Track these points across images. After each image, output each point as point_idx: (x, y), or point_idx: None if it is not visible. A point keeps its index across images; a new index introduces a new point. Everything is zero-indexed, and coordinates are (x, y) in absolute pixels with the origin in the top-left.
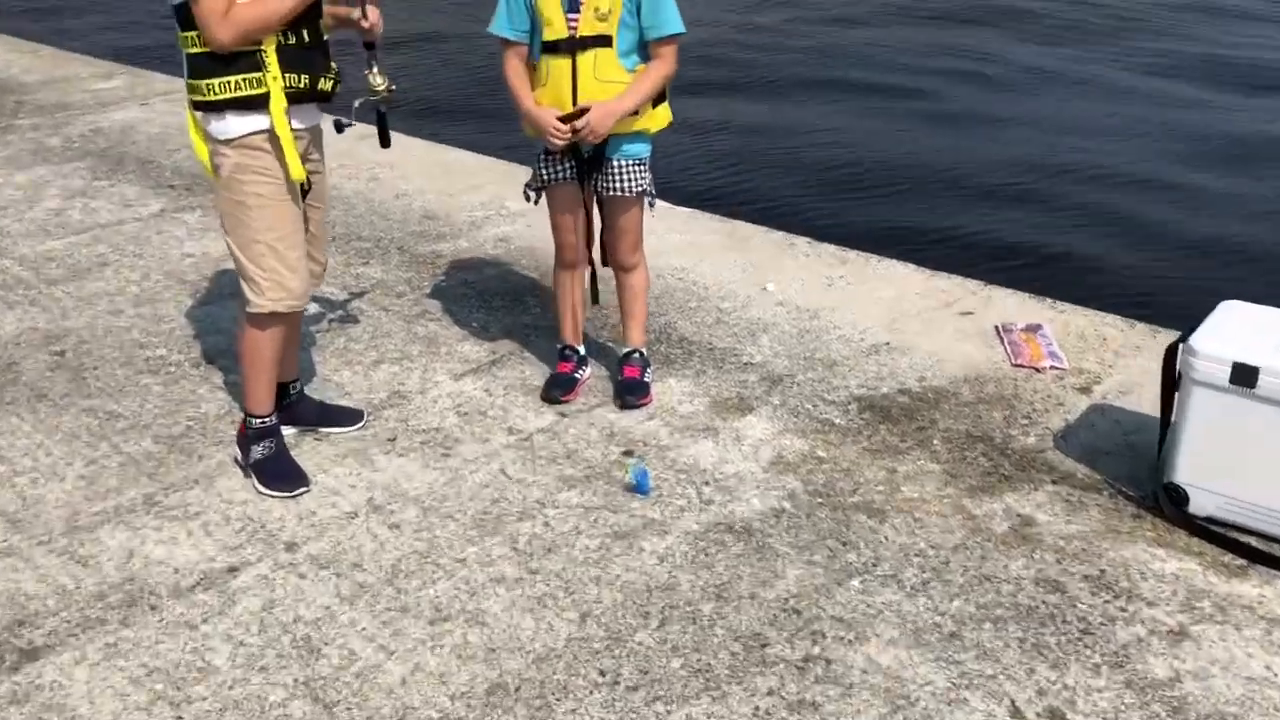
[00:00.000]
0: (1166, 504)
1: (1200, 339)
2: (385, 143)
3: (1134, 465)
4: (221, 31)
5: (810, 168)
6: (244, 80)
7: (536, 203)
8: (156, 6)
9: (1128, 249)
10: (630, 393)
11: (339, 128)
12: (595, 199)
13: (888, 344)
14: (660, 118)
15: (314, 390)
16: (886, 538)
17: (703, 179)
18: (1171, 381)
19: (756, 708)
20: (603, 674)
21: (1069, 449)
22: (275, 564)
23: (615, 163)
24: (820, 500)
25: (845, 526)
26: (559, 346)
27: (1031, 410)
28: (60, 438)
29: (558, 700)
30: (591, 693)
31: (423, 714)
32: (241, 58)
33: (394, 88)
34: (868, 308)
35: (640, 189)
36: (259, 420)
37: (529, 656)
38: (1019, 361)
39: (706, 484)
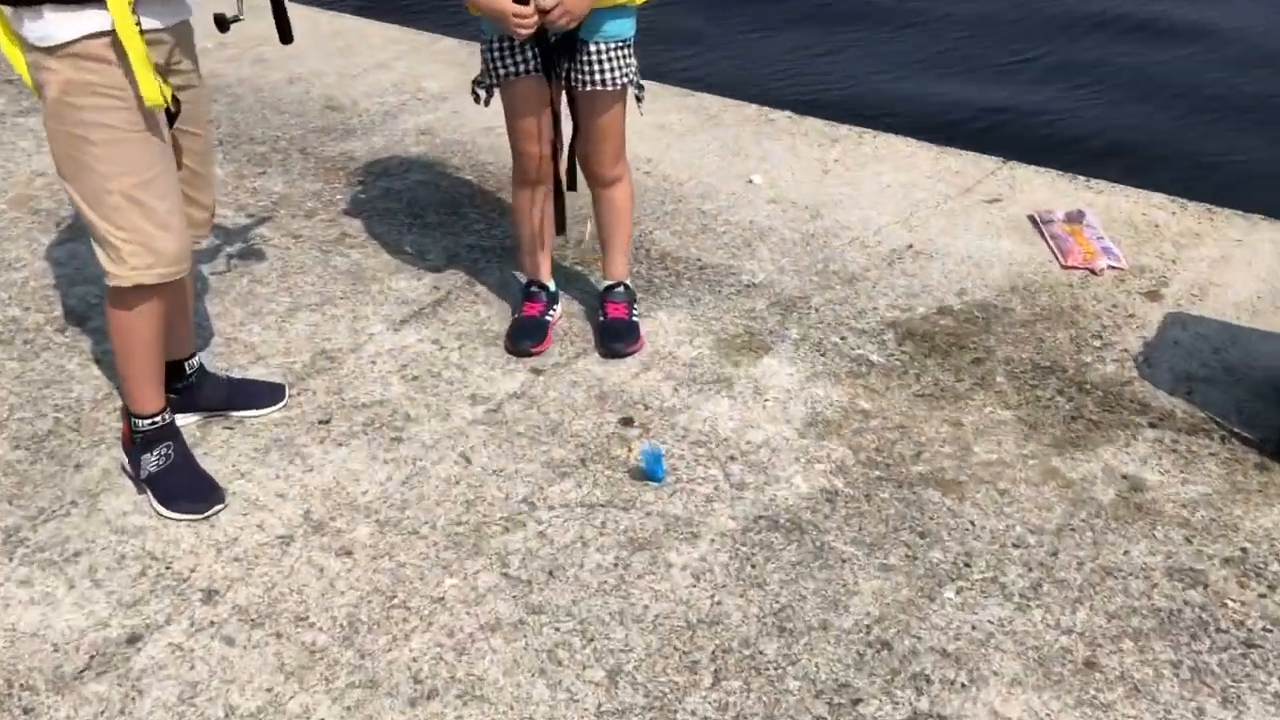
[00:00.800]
0: None
1: None
2: (286, 37)
3: (1237, 394)
4: None
5: (774, 26)
6: None
7: (488, 103)
8: None
9: (1157, 111)
10: (618, 338)
11: (222, 24)
12: (566, 95)
13: (910, 247)
14: None
15: (215, 359)
16: (973, 523)
17: (657, 45)
18: None
19: None
20: None
21: (1156, 378)
22: (192, 624)
23: (592, 48)
24: (879, 474)
25: (918, 510)
26: (524, 283)
27: (1100, 328)
28: None
29: None
30: None
31: None
32: None
33: None
34: (876, 199)
35: (625, 80)
36: (147, 421)
37: None
38: (1070, 263)
39: (733, 459)
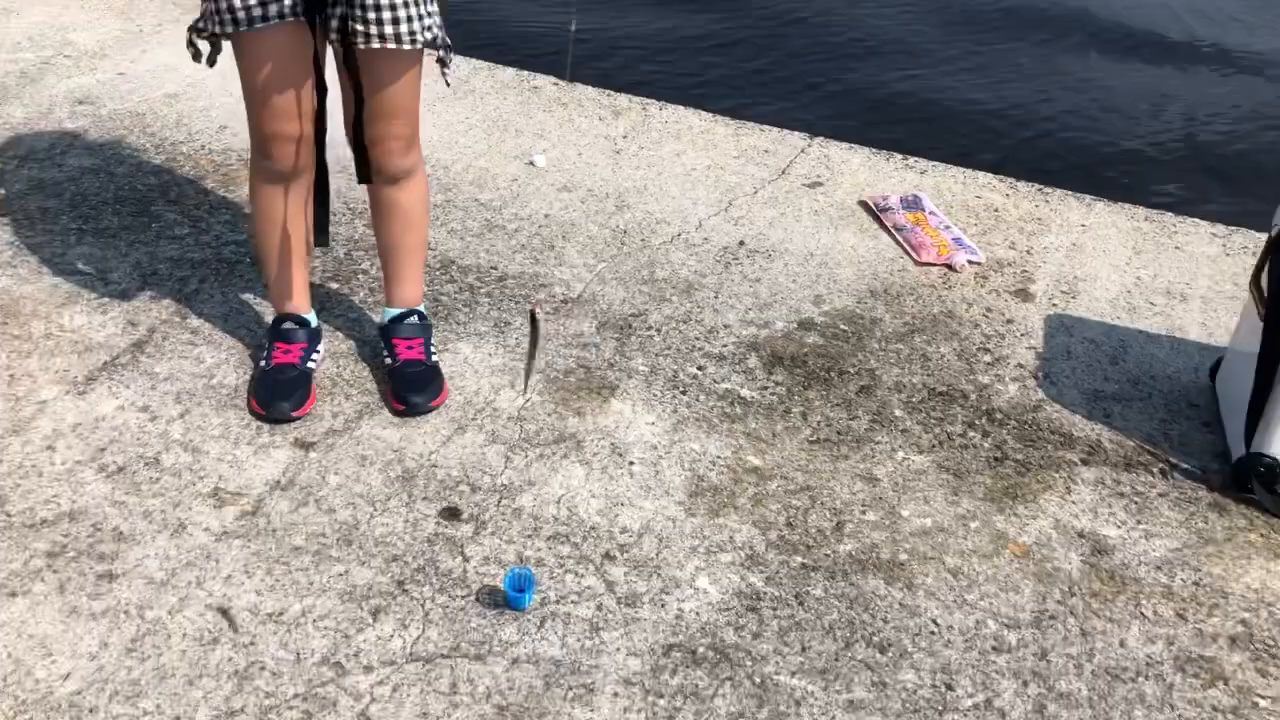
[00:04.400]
0: (1261, 490)
1: None
2: None
3: (1155, 413)
4: None
5: None
6: None
7: (213, 61)
8: None
9: (946, 84)
10: (416, 388)
11: None
12: (338, 54)
13: (742, 244)
14: None
15: None
16: (936, 622)
17: None
18: (1275, 329)
19: None
20: None
21: (1065, 398)
22: None
23: None
24: (801, 561)
25: (865, 611)
26: (275, 319)
27: (983, 338)
28: None
29: None
30: None
31: None
32: None
33: None
34: (684, 185)
35: (426, 37)
36: None
37: None
38: (925, 259)
39: (611, 558)
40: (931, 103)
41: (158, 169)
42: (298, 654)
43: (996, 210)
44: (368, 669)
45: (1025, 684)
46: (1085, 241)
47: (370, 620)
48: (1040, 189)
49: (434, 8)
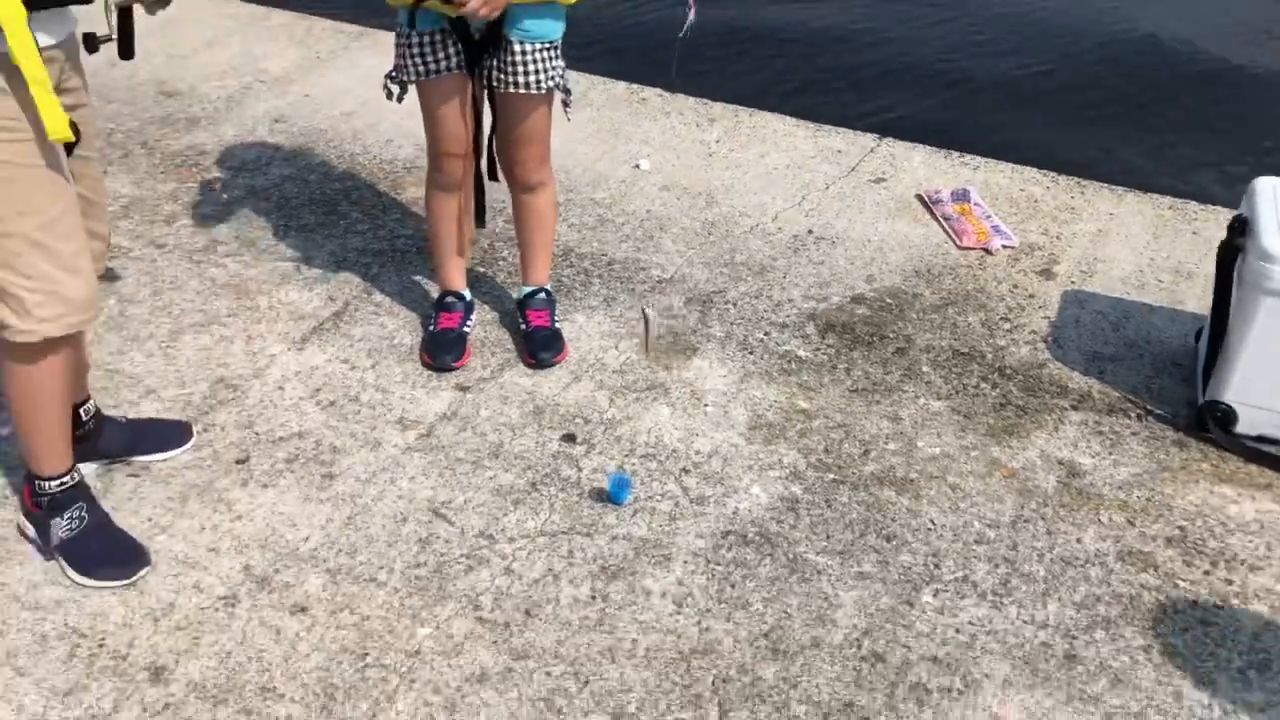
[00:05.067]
0: (1215, 429)
1: (1273, 240)
2: (127, 52)
3: (1143, 370)
4: None
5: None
6: None
7: (401, 100)
8: None
9: (1003, 87)
10: (543, 347)
11: (92, 46)
12: (487, 94)
13: (811, 232)
14: None
15: (100, 396)
16: (933, 521)
17: None
18: (1226, 286)
19: None
20: None
21: (1068, 357)
22: (144, 710)
23: (517, 47)
24: (833, 477)
25: (879, 512)
26: (440, 292)
27: (1006, 309)
28: None
29: None
30: None
31: None
32: None
33: None
34: (766, 182)
35: (551, 83)
36: (55, 483)
37: None
38: (965, 244)
39: (686, 471)
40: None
41: (341, 176)
42: (462, 529)
43: (1036, 201)
44: (510, 540)
45: (996, 566)
46: (1110, 228)
47: (512, 508)
48: (1079, 182)
49: (559, 62)
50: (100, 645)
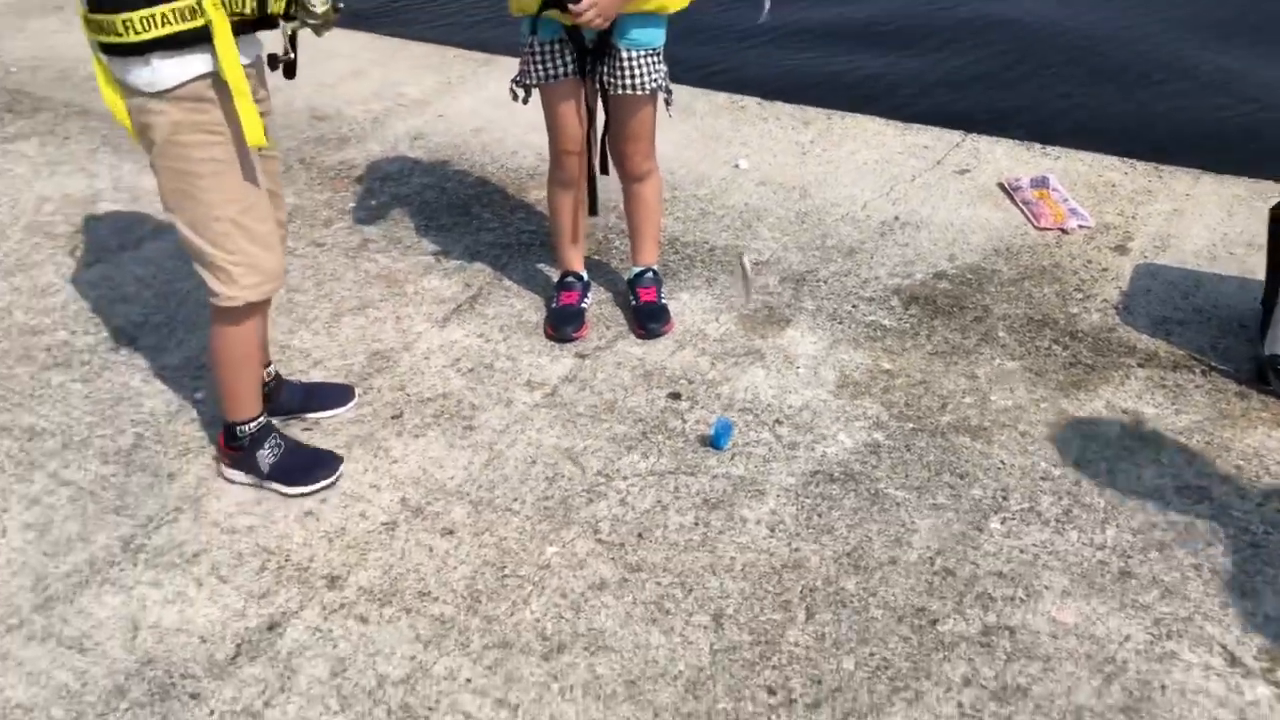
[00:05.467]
0: (1275, 380)
1: None
2: (291, 74)
3: (1210, 332)
4: None
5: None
6: (173, 12)
7: (526, 101)
8: None
9: (1089, 79)
10: (652, 319)
11: (274, 64)
12: (600, 96)
13: (897, 219)
14: None
15: (276, 366)
16: (1003, 462)
17: None
18: (1277, 246)
19: (960, 705)
20: (772, 692)
21: (1137, 322)
22: (324, 609)
23: (625, 54)
24: (912, 425)
25: (953, 455)
26: (561, 274)
27: (1080, 281)
28: None
29: None
30: (770, 719)
31: None
32: None
33: (341, 5)
34: (856, 176)
35: (655, 85)
36: (253, 424)
37: (679, 683)
38: (1043, 225)
39: (779, 423)
40: (1084, 93)
41: (473, 183)
42: (583, 469)
43: (1113, 186)
44: (624, 478)
45: (1060, 499)
46: (1186, 207)
47: (625, 453)
48: (1156, 167)
49: (662, 66)
50: (286, 560)
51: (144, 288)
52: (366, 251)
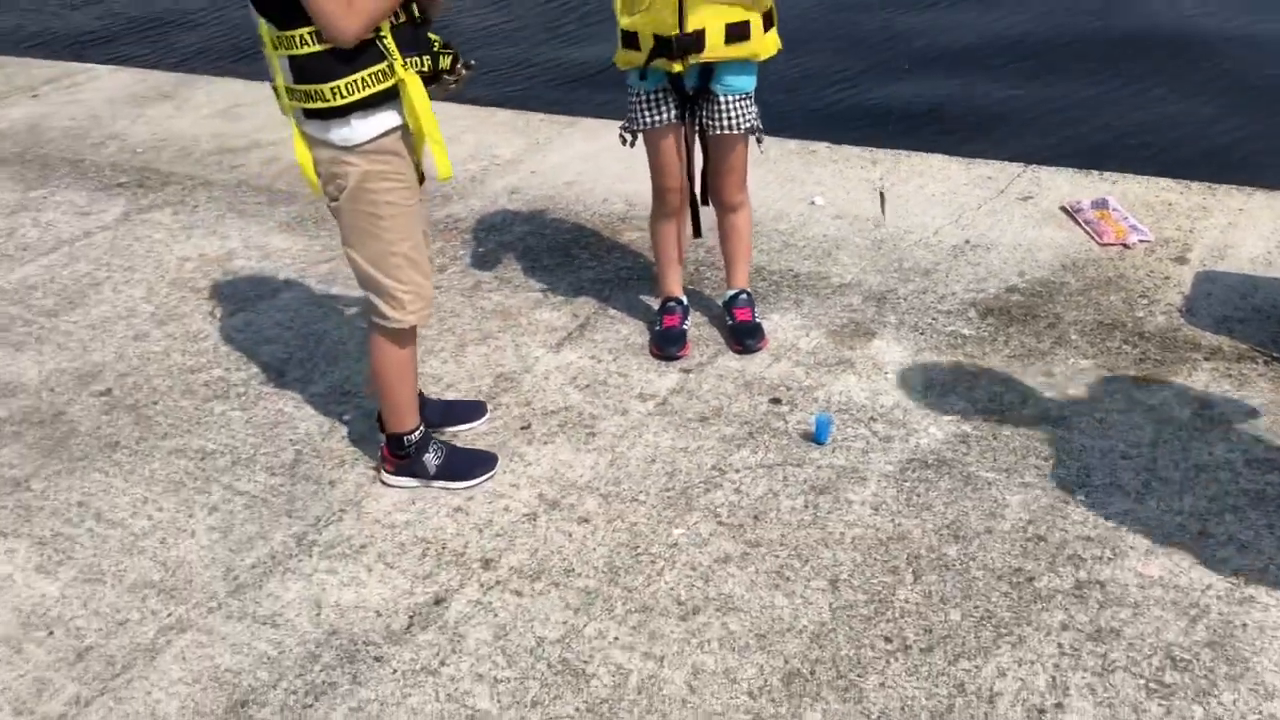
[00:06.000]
0: None
1: None
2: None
3: (1270, 328)
4: (348, 22)
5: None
6: (371, 75)
7: (633, 145)
8: None
9: (1142, 105)
10: (749, 336)
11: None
12: (700, 136)
13: (968, 242)
14: (770, 44)
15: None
16: (1084, 445)
17: None
18: None
19: (1060, 645)
20: (888, 640)
21: (1201, 322)
22: (482, 586)
23: (722, 99)
24: (997, 418)
25: (1038, 441)
26: (663, 299)
27: (1144, 289)
28: (162, 488)
29: (859, 676)
30: (889, 662)
31: (733, 718)
32: (365, 50)
33: (470, 66)
34: (926, 207)
35: (748, 125)
36: (416, 433)
37: (804, 636)
38: (1106, 241)
39: (874, 420)
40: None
41: (569, 228)
42: (698, 465)
43: (1170, 204)
44: (737, 471)
45: (1138, 474)
46: (1240, 220)
47: (735, 450)
48: (1210, 186)
49: (754, 108)
50: (443, 548)
51: (284, 330)
52: (481, 291)
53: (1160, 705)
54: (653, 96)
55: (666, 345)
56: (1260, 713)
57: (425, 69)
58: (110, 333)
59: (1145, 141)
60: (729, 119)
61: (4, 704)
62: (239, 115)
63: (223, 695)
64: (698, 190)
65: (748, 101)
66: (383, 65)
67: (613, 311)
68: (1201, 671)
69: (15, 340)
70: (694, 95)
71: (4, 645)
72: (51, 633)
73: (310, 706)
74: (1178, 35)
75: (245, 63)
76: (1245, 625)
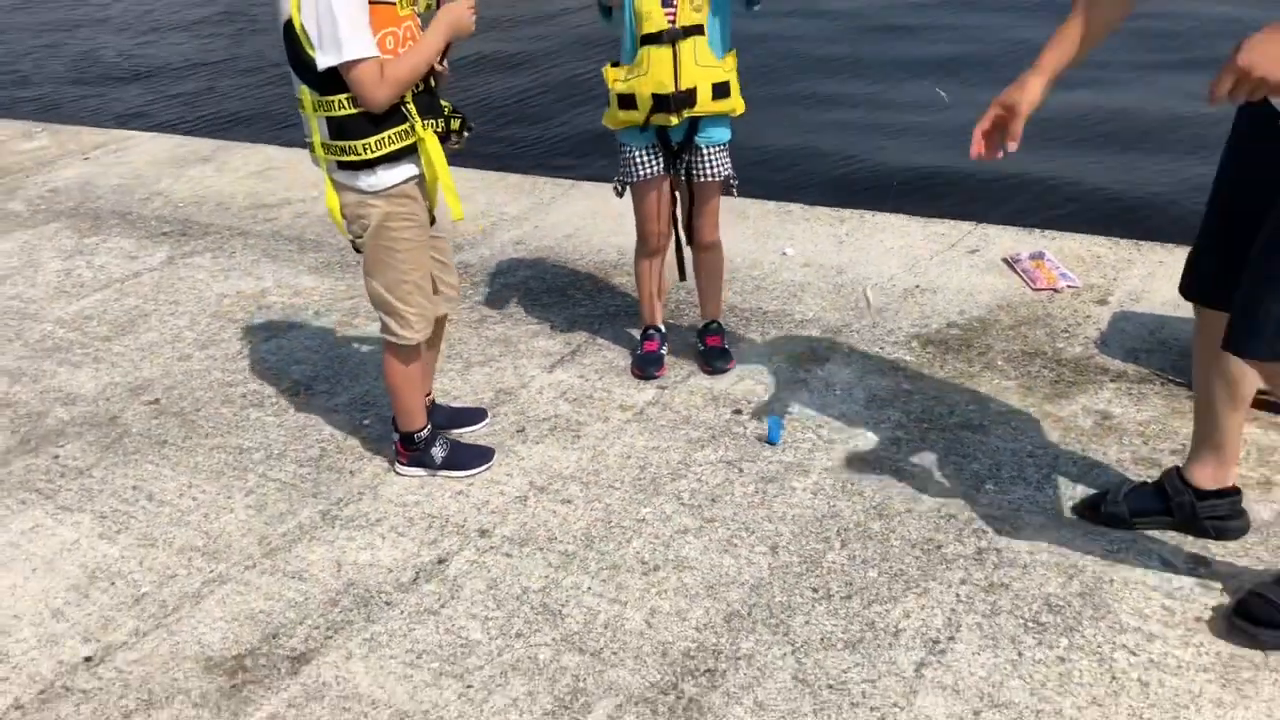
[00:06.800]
0: None
1: None
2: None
3: (1171, 357)
4: (380, 92)
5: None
6: (395, 134)
7: (622, 195)
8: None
9: (1081, 172)
10: (718, 359)
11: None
12: (684, 183)
13: (918, 286)
14: (740, 102)
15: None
16: (997, 447)
17: None
18: None
19: (958, 594)
20: (815, 590)
21: (1112, 352)
22: (478, 549)
23: (705, 150)
24: (926, 425)
25: (958, 444)
26: (644, 327)
27: (1066, 325)
28: (205, 475)
29: (789, 616)
30: (814, 605)
31: (680, 646)
32: (392, 113)
33: (471, 129)
34: (884, 258)
35: (726, 174)
36: (425, 430)
37: (745, 587)
38: (1039, 286)
39: (821, 427)
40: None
41: (567, 273)
42: (667, 460)
43: (1099, 257)
44: (699, 465)
45: (1040, 469)
46: (1158, 271)
47: (699, 449)
48: (1136, 243)
49: (728, 158)
50: (446, 522)
51: (311, 353)
52: (486, 323)
53: (1034, 638)
54: (643, 152)
55: (646, 366)
56: (1114, 643)
57: (439, 129)
58: (157, 354)
59: (1088, 204)
60: (711, 168)
61: (76, 634)
62: (272, 176)
63: (257, 630)
64: (683, 237)
65: (725, 152)
66: (405, 125)
67: (601, 341)
68: (1071, 615)
69: (75, 360)
70: (678, 150)
71: (74, 591)
72: (113, 583)
73: (331, 638)
74: (1131, 107)
75: (277, 131)
76: (1112, 580)
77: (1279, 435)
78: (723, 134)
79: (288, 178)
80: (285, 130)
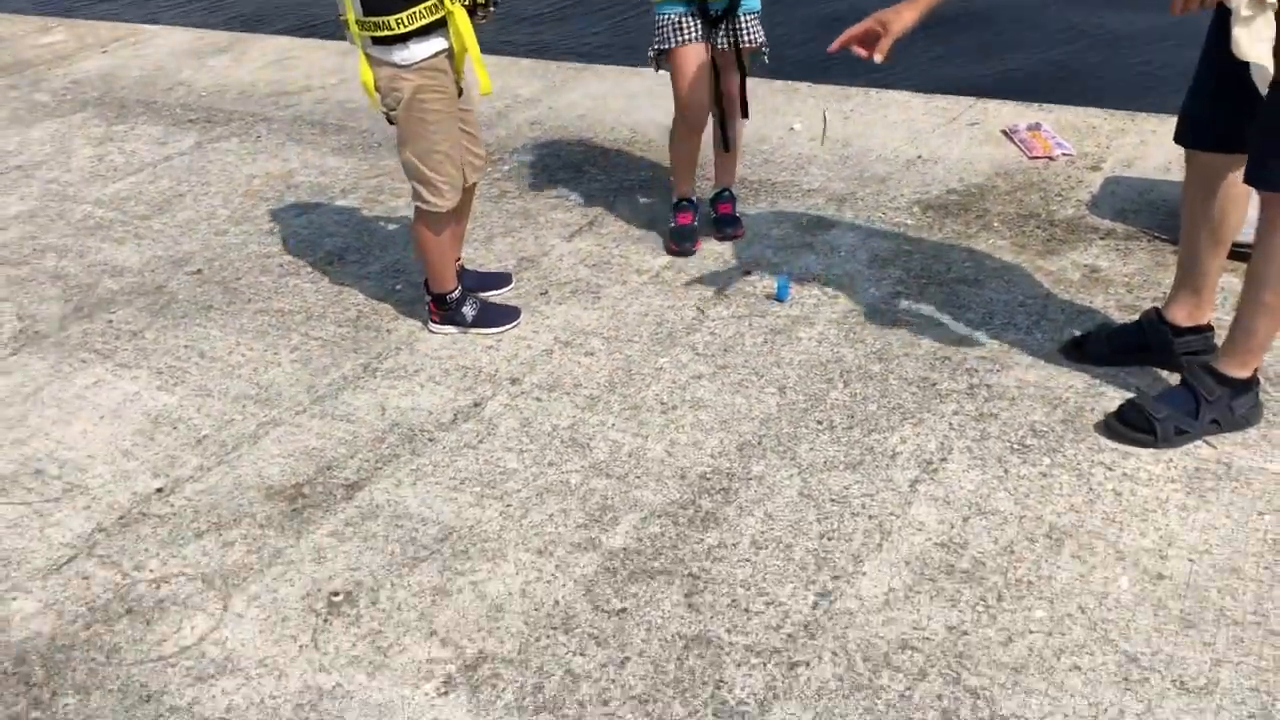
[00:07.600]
0: None
1: None
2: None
3: (1159, 217)
4: None
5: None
6: (426, 8)
7: (659, 68)
8: None
9: (1086, 51)
10: (729, 225)
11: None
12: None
13: (920, 157)
14: None
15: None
16: (991, 298)
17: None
18: None
19: (950, 423)
20: (819, 422)
21: (1102, 213)
22: (510, 395)
23: (743, 18)
24: (925, 280)
25: (955, 296)
26: (677, 199)
27: (1060, 190)
28: (251, 335)
29: (795, 444)
30: (818, 435)
31: (696, 470)
32: None
33: (497, 3)
34: (887, 131)
35: (760, 40)
36: (456, 291)
37: (755, 421)
38: (1034, 154)
39: (826, 285)
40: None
41: (579, 151)
42: (681, 317)
43: (1094, 127)
44: (713, 320)
45: (1030, 316)
46: (1150, 139)
47: (712, 306)
48: (1130, 114)
49: (761, 28)
50: (480, 372)
51: (342, 226)
52: (506, 198)
53: (1019, 457)
54: (679, 19)
55: (682, 241)
56: (1092, 461)
57: (468, 3)
58: (195, 230)
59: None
60: (748, 34)
61: (146, 470)
62: (290, 65)
63: (311, 463)
64: (725, 107)
65: (758, 20)
66: (434, 0)
67: (617, 212)
68: (1054, 438)
69: (117, 237)
70: (716, 18)
71: (140, 435)
72: (175, 428)
73: (380, 469)
74: None
75: (290, 26)
76: (1093, 409)
77: None
78: (756, 3)
79: (306, 66)
80: (298, 27)
